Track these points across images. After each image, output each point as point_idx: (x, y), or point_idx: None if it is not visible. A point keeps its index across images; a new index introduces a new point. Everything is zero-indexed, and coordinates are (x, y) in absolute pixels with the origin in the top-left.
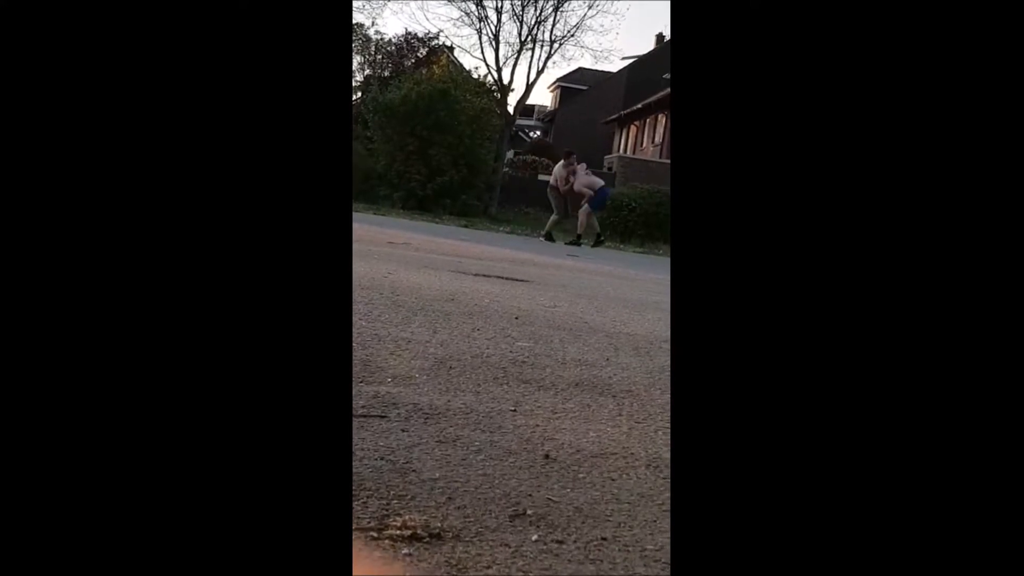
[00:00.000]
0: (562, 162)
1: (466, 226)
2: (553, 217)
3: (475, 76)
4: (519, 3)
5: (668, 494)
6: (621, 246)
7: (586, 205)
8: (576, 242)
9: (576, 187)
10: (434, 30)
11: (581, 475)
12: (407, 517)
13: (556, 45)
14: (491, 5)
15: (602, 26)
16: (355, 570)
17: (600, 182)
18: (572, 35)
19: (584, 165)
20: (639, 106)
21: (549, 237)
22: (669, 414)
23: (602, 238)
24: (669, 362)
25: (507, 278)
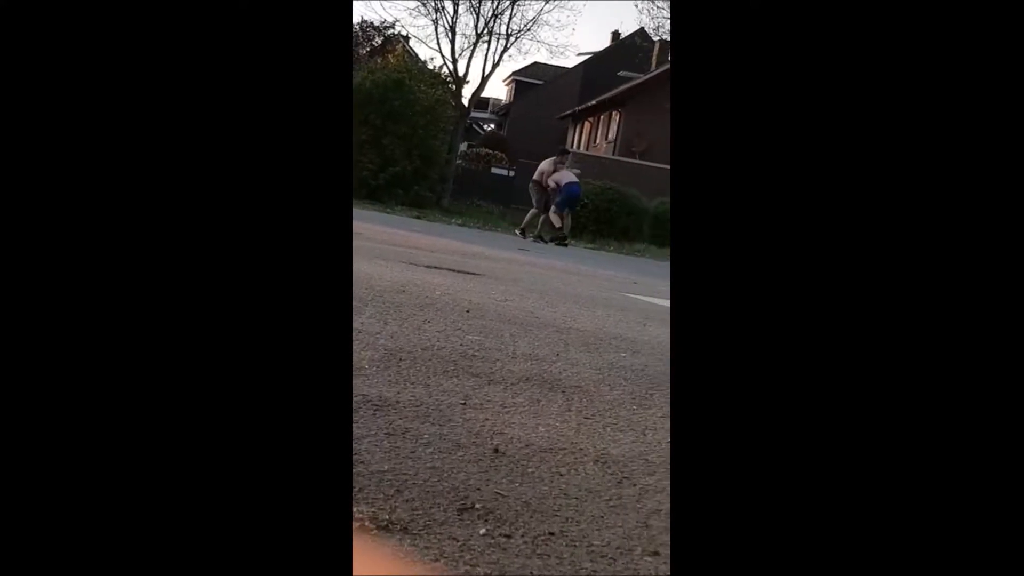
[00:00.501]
0: (553, 158)
1: (418, 217)
2: (532, 211)
3: (430, 67)
4: None
5: (615, 490)
6: (572, 242)
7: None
8: (541, 238)
9: (547, 182)
10: (390, 19)
11: (530, 470)
12: (355, 509)
13: (512, 39)
14: None
15: (558, 21)
16: (355, 570)
17: (567, 178)
18: (528, 29)
19: (563, 163)
20: (593, 102)
21: (524, 233)
22: (621, 411)
23: (558, 239)
24: (618, 358)
25: (458, 271)
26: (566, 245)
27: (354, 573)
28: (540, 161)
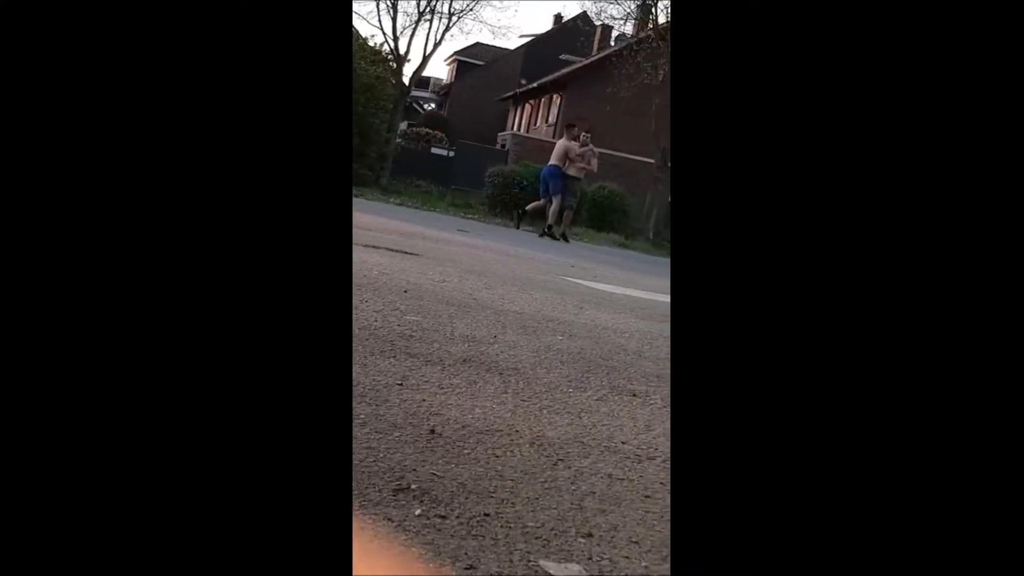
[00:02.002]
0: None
1: (357, 196)
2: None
3: (371, 44)
4: None
5: (550, 472)
6: (511, 224)
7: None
8: (550, 233)
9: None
10: None
11: (466, 451)
12: None
13: (454, 18)
14: None
15: (501, 1)
16: (355, 570)
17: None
18: (471, 9)
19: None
20: (535, 85)
21: (560, 235)
22: (557, 393)
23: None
24: (555, 341)
25: (397, 250)
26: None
27: (354, 573)
28: (480, 142)
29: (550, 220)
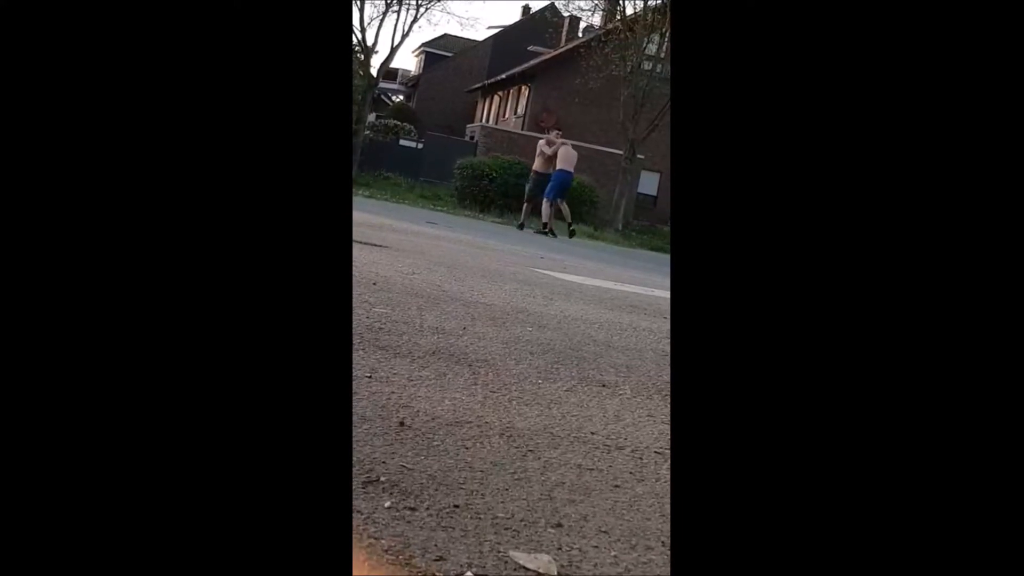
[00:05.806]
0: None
1: None
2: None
3: None
4: None
5: (520, 463)
6: (480, 216)
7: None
8: (540, 230)
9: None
10: None
11: (435, 443)
12: None
13: (422, 9)
14: None
15: None
16: (355, 570)
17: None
18: None
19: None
20: (503, 76)
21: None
22: (526, 384)
23: (549, 229)
24: (524, 332)
25: (365, 243)
26: (571, 235)
27: (354, 573)
28: (448, 134)
29: (545, 219)
